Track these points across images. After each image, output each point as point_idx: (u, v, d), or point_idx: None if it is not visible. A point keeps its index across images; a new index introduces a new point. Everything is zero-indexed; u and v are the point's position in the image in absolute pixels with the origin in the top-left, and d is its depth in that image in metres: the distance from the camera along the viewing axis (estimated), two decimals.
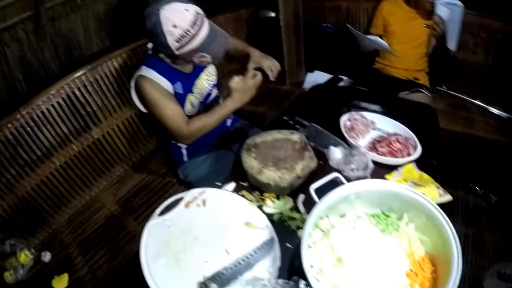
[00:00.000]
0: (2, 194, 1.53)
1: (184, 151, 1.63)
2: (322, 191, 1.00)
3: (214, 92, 1.61)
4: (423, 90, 2.13)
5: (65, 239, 1.64)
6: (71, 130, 1.71)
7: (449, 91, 2.37)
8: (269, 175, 1.13)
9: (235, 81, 1.31)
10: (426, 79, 2.30)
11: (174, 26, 1.19)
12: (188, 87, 1.48)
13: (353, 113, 1.48)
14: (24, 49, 1.87)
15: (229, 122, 1.74)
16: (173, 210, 1.13)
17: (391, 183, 1.04)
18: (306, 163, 1.17)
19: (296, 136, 1.28)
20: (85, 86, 1.73)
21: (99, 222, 1.68)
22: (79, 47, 2.07)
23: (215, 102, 1.63)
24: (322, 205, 0.96)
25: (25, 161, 1.59)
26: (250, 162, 1.18)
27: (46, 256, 1.55)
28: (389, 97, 1.84)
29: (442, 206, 0.93)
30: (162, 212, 1.14)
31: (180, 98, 1.44)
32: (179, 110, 1.40)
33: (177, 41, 1.22)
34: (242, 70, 1.45)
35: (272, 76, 1.52)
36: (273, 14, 2.38)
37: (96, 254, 1.54)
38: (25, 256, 1.51)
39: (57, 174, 1.69)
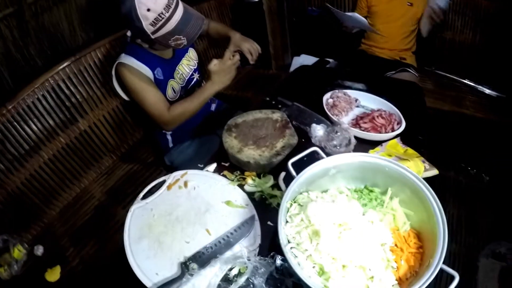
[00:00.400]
0: None
1: (169, 137, 1.64)
2: (301, 167, 0.98)
3: (196, 77, 1.62)
4: (409, 70, 2.12)
5: (56, 232, 1.65)
6: (57, 123, 1.71)
7: (437, 71, 2.36)
8: (249, 153, 1.12)
9: (213, 64, 1.31)
10: (413, 58, 2.28)
11: (148, 10, 1.20)
12: (169, 73, 1.48)
13: (336, 91, 1.46)
14: (9, 46, 1.87)
15: (213, 106, 1.74)
16: (155, 194, 1.13)
17: (373, 156, 1.02)
18: (286, 141, 1.16)
19: (277, 115, 1.27)
20: (69, 78, 1.72)
21: (89, 213, 1.68)
22: (64, 41, 2.06)
23: (197, 86, 1.63)
24: (300, 180, 0.95)
25: (14, 156, 1.59)
26: (230, 141, 1.17)
27: (39, 250, 1.55)
28: (375, 76, 1.82)
29: (433, 185, 0.91)
30: (145, 196, 1.14)
31: (161, 84, 1.44)
32: (160, 96, 1.40)
33: (152, 25, 1.23)
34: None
35: (251, 59, 1.54)
36: None
37: (87, 245, 1.55)
38: (18, 252, 1.52)
39: (46, 168, 1.69)
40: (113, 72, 1.43)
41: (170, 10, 1.22)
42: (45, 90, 1.66)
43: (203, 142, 1.65)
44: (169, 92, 1.49)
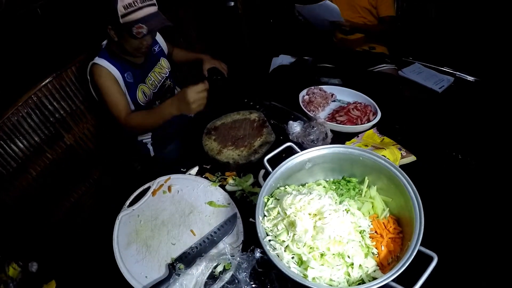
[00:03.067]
0: None
1: (150, 147, 1.69)
2: (278, 163, 1.01)
3: (168, 83, 1.73)
4: (387, 62, 2.16)
5: (50, 247, 1.66)
6: (43, 139, 1.72)
7: (415, 61, 2.39)
8: (228, 154, 1.16)
9: (192, 91, 1.30)
10: (383, 48, 2.32)
11: None
12: (140, 78, 1.58)
13: (312, 87, 1.50)
14: None
15: None
16: (141, 200, 1.17)
17: (345, 147, 1.06)
18: (264, 139, 1.20)
19: (254, 115, 1.31)
20: (52, 94, 1.73)
21: (80, 225, 1.69)
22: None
23: (170, 92, 1.75)
24: (276, 175, 0.99)
25: (1, 174, 1.60)
26: (210, 144, 1.21)
27: (33, 267, 1.54)
28: (351, 70, 1.87)
29: (412, 172, 0.94)
30: (132, 203, 1.18)
31: (130, 87, 1.54)
32: (122, 99, 1.50)
33: (125, 8, 1.33)
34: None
35: (225, 72, 1.75)
36: (232, 4, 2.40)
37: (81, 257, 1.56)
38: (13, 270, 1.52)
39: (35, 184, 1.70)
40: (88, 76, 1.54)
41: (144, 3, 1.36)
42: (29, 107, 1.67)
43: (185, 148, 1.68)
44: (140, 95, 1.58)
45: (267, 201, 0.97)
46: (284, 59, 2.20)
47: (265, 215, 0.94)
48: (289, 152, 1.08)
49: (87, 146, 1.87)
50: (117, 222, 1.14)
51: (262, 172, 1.16)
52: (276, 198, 0.98)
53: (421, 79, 2.19)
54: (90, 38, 1.98)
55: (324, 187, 1.08)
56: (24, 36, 1.99)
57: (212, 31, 2.37)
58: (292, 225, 0.88)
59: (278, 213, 0.91)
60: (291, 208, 0.89)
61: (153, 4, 1.41)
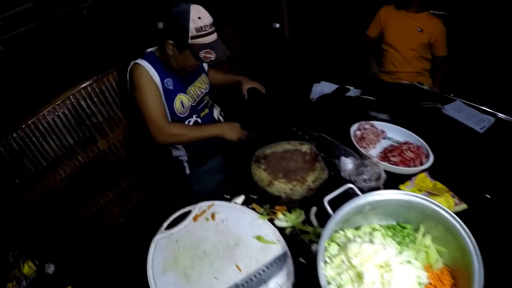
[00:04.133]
0: (7, 205, 1.51)
1: (186, 164, 1.65)
2: (334, 203, 0.97)
3: (206, 99, 1.71)
4: (436, 99, 2.11)
5: (69, 251, 1.60)
6: (76, 141, 1.69)
7: (456, 98, 2.34)
8: (280, 187, 1.10)
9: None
10: (430, 83, 2.34)
11: (199, 18, 1.36)
12: (180, 87, 1.56)
13: (363, 122, 1.45)
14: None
15: None
16: (181, 224, 1.11)
17: (407, 193, 1.01)
18: (317, 175, 1.14)
19: (306, 147, 1.25)
20: (90, 97, 1.71)
21: (104, 235, 1.64)
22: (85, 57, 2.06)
23: (208, 108, 1.72)
24: (337, 218, 0.93)
25: (30, 172, 1.56)
26: (260, 174, 1.15)
27: (50, 268, 1.50)
28: (399, 106, 1.82)
29: (464, 221, 0.89)
30: (169, 226, 1.11)
31: (169, 94, 1.52)
32: (161, 105, 1.49)
33: (197, 30, 1.36)
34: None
35: (263, 90, 1.84)
36: (277, 26, 2.39)
37: (102, 269, 1.50)
38: (28, 268, 1.47)
39: (62, 185, 1.66)
40: (127, 76, 1.52)
41: (212, 29, 1.41)
42: (66, 107, 1.65)
43: (221, 166, 1.65)
44: (177, 104, 1.55)
45: (328, 245, 0.90)
46: (325, 86, 2.16)
47: (325, 261, 0.87)
48: (344, 192, 1.03)
49: (120, 153, 1.83)
50: (152, 244, 1.08)
51: (313, 209, 1.09)
52: (338, 244, 0.91)
53: (463, 117, 2.12)
54: (133, 44, 1.98)
55: (381, 234, 1.02)
56: (69, 36, 1.98)
57: (256, 50, 2.35)
58: (359, 276, 0.82)
59: (342, 261, 0.85)
60: (357, 257, 0.84)
61: (216, 31, 1.44)
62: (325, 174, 1.15)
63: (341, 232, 0.96)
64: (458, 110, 2.20)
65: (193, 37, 1.37)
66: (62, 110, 1.63)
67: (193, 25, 1.35)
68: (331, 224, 0.91)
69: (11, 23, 1.72)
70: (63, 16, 1.90)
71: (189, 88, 1.61)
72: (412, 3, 2.22)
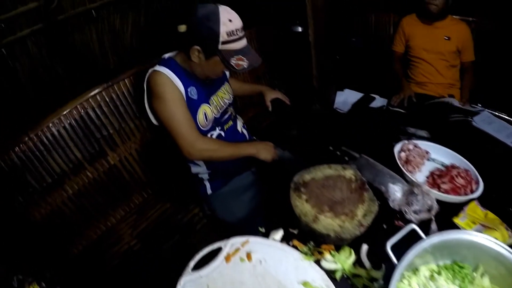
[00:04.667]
0: (9, 225, 1.39)
1: (207, 183, 1.50)
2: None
3: (230, 110, 1.53)
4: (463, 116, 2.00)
5: (77, 274, 1.48)
6: (84, 155, 1.56)
7: (484, 108, 2.23)
8: (327, 223, 0.96)
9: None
10: (458, 94, 2.21)
11: (230, 20, 1.22)
12: (204, 97, 1.39)
13: (406, 142, 1.31)
14: (36, 64, 1.73)
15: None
16: (211, 264, 0.95)
17: (469, 233, 0.91)
18: (367, 207, 1.00)
19: (349, 172, 1.11)
20: (100, 106, 1.57)
21: (116, 258, 1.51)
22: (95, 63, 1.93)
23: (231, 120, 1.55)
24: (402, 267, 0.80)
25: (35, 189, 1.45)
26: (302, 206, 1.00)
27: None
28: (431, 119, 1.69)
29: None
30: (197, 265, 0.96)
31: (193, 105, 1.34)
32: (190, 117, 1.32)
33: (228, 34, 1.22)
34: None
35: (287, 101, 1.71)
36: (300, 29, 2.26)
37: None
38: None
39: (69, 203, 1.54)
40: (145, 85, 1.34)
41: (242, 34, 1.27)
42: (73, 118, 1.52)
43: (245, 187, 1.53)
44: (200, 116, 1.37)
45: None
46: (349, 95, 2.03)
47: None
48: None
49: (133, 168, 1.70)
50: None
51: (364, 248, 0.96)
52: None
53: (493, 130, 2.00)
54: (146, 49, 1.84)
55: (445, 279, 0.89)
56: (76, 38, 1.83)
57: (276, 56, 2.22)
58: None
59: None
60: None
61: (245, 37, 1.30)
62: (375, 207, 1.01)
63: (405, 282, 0.84)
64: (487, 122, 2.07)
65: (224, 42, 1.22)
66: (68, 121, 1.50)
67: (224, 28, 1.21)
68: (397, 276, 0.78)
69: (14, 25, 1.57)
70: (70, 17, 1.75)
71: (211, 98, 1.43)
72: (438, 17, 2.10)
